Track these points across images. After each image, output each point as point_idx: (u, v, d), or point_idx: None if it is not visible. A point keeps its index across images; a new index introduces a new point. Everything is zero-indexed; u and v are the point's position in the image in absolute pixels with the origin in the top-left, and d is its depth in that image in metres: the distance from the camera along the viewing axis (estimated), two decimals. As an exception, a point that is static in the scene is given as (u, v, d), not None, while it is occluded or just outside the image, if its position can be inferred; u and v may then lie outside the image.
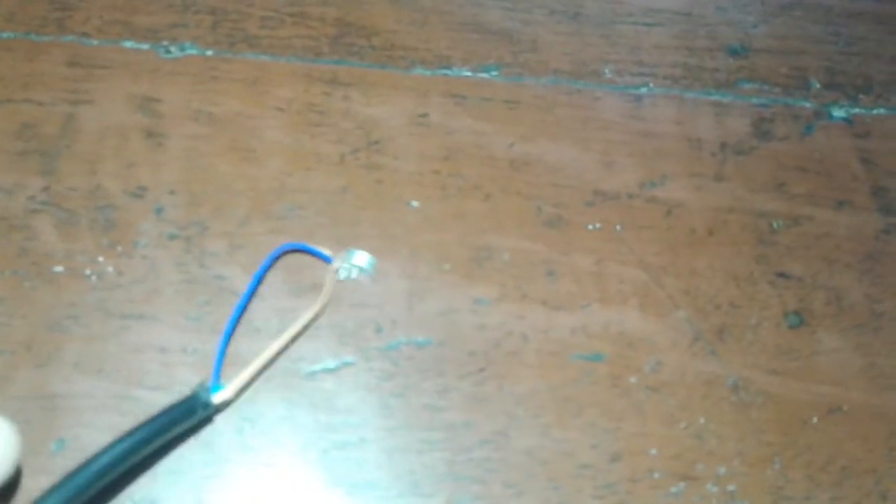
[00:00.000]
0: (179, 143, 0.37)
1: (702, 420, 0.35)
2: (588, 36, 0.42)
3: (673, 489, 0.34)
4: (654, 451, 0.34)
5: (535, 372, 0.35)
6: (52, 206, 0.35)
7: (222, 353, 0.32)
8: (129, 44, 0.38)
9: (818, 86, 0.42)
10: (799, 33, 0.44)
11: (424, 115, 0.39)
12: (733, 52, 0.42)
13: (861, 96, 0.43)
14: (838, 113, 0.42)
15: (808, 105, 0.42)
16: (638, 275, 0.37)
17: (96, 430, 0.31)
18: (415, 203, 0.37)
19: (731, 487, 0.34)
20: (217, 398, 0.31)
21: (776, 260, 0.38)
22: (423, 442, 0.33)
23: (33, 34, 0.38)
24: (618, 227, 0.38)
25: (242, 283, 0.35)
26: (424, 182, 0.38)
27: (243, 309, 0.34)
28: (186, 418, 0.31)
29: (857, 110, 0.42)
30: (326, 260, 0.35)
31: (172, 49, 0.38)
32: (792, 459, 0.35)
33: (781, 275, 0.38)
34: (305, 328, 0.34)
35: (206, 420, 0.32)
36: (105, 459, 0.28)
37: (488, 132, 0.39)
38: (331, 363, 0.34)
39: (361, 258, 0.36)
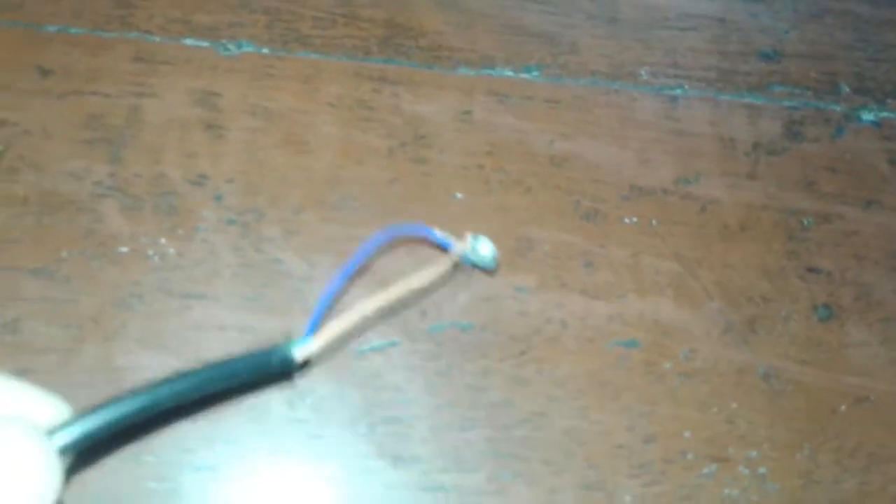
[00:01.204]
0: (237, 135, 0.39)
1: (734, 406, 0.37)
2: (625, 39, 0.43)
3: (705, 470, 0.35)
4: (687, 434, 0.36)
5: (573, 357, 0.37)
6: (118, 192, 0.37)
7: (323, 307, 0.31)
8: (189, 41, 0.40)
9: (848, 90, 0.44)
10: (829, 40, 0.45)
11: (468, 113, 0.41)
12: (765, 57, 0.44)
13: (890, 101, 0.44)
14: (867, 116, 0.43)
15: (837, 108, 0.43)
16: (673, 267, 0.39)
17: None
18: (459, 195, 0.39)
19: (761, 470, 0.36)
20: (301, 352, 0.30)
21: (806, 256, 0.40)
22: (466, 419, 0.35)
23: (99, 30, 0.40)
24: (653, 222, 0.40)
25: (297, 267, 0.36)
26: (469, 176, 0.39)
27: (351, 273, 0.34)
28: (264, 367, 0.29)
29: (885, 114, 0.43)
30: (445, 246, 0.35)
31: (230, 47, 0.40)
32: (821, 445, 0.36)
33: (811, 270, 0.40)
34: (399, 297, 0.32)
35: (287, 373, 0.31)
36: (165, 388, 0.27)
37: (529, 130, 0.41)
38: (378, 343, 0.36)
39: (486, 247, 0.36)
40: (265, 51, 0.41)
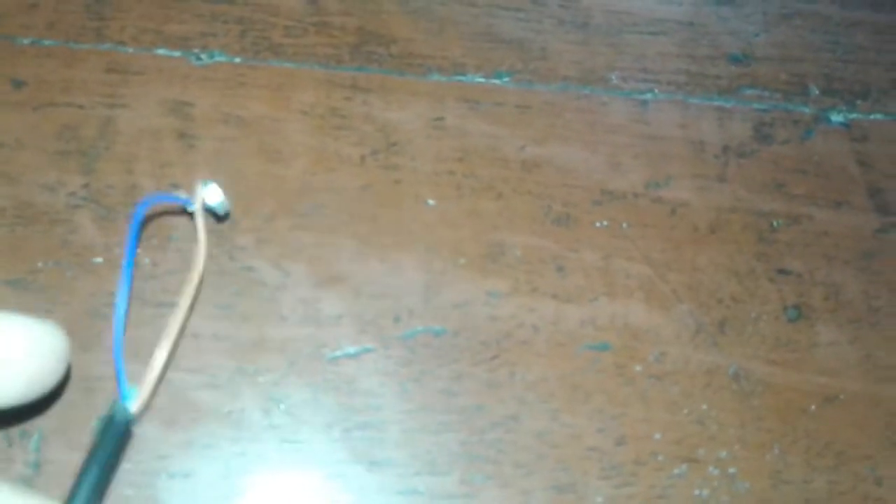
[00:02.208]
0: (210, 144, 0.39)
1: (704, 407, 0.37)
2: (595, 45, 0.44)
3: (676, 471, 0.36)
4: (657, 436, 0.36)
5: (544, 360, 0.37)
6: (92, 203, 0.37)
7: (120, 365, 0.30)
8: (162, 51, 0.41)
9: (817, 92, 0.44)
10: (798, 42, 0.46)
11: (440, 119, 0.41)
12: (735, 60, 0.44)
13: (859, 102, 0.44)
14: (836, 118, 0.44)
15: (807, 110, 0.44)
16: (643, 270, 0.39)
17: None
18: (431, 202, 0.39)
19: (731, 470, 0.36)
20: (135, 407, 0.30)
21: (776, 257, 0.40)
22: (439, 424, 0.35)
23: (72, 42, 0.40)
24: (624, 225, 0.40)
25: (269, 275, 0.37)
26: (440, 182, 0.40)
27: (128, 292, 0.32)
28: (119, 440, 0.30)
29: (854, 115, 0.44)
30: (185, 204, 0.35)
31: (203, 56, 0.41)
32: (790, 445, 0.37)
33: (781, 271, 0.40)
34: (195, 297, 0.33)
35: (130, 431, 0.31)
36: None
37: (501, 135, 0.41)
38: (351, 349, 0.36)
39: (214, 195, 0.35)
40: (237, 60, 0.41)
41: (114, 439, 0.29)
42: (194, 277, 0.32)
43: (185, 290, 0.32)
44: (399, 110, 0.41)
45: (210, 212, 0.36)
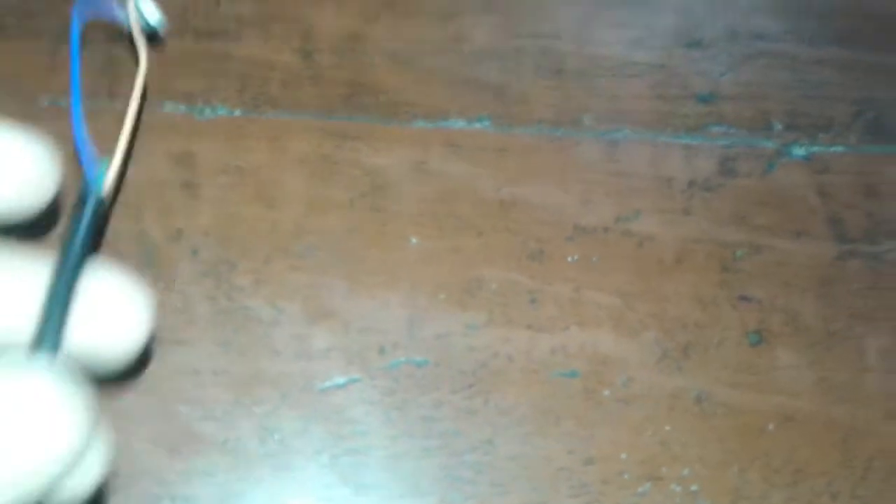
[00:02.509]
0: (212, 192, 0.43)
1: (667, 428, 0.40)
2: (570, 88, 0.47)
3: (640, 489, 0.39)
4: (624, 456, 0.39)
5: (518, 388, 0.40)
6: (104, 249, 0.41)
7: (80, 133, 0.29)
8: (168, 107, 0.44)
9: (780, 127, 0.47)
10: (763, 80, 0.48)
11: (424, 163, 0.44)
12: (702, 100, 0.47)
13: (821, 135, 0.47)
14: (798, 151, 0.46)
15: (770, 145, 0.47)
16: (612, 300, 0.42)
17: (141, 440, 0.37)
18: (414, 240, 0.43)
19: (693, 487, 0.39)
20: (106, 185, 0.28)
21: (738, 285, 0.43)
22: (421, 449, 0.39)
23: (88, 101, 0.44)
24: (594, 259, 0.43)
25: (265, 313, 0.40)
26: (423, 222, 0.43)
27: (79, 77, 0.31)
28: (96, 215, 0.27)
29: (816, 148, 0.47)
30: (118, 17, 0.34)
31: (206, 110, 0.44)
32: (749, 463, 0.40)
33: (743, 298, 0.43)
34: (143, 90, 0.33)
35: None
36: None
37: (480, 176, 0.44)
38: (340, 380, 0.39)
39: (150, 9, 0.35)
40: (237, 113, 0.45)
41: (91, 213, 0.26)
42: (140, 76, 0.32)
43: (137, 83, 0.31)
44: (386, 156, 0.44)
45: (147, 29, 0.35)
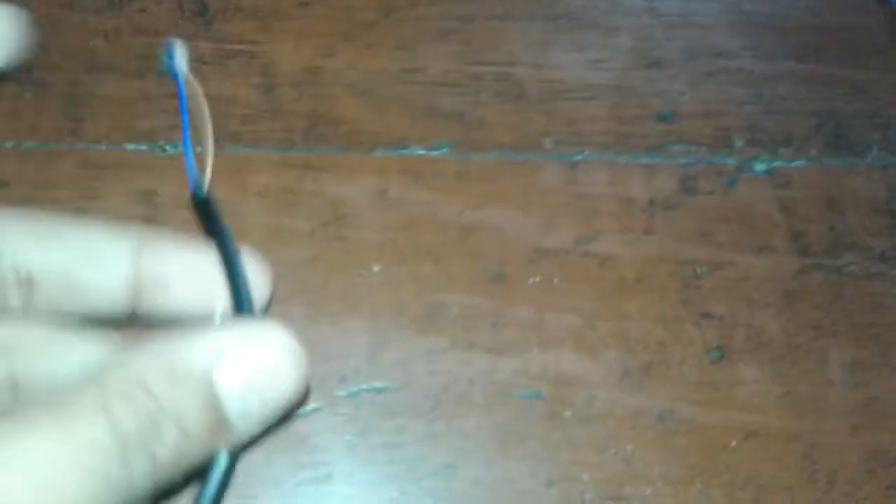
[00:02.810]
0: (174, 228, 0.43)
1: (630, 447, 0.40)
2: (530, 112, 0.47)
3: (602, 509, 0.39)
4: (585, 476, 0.39)
5: (480, 411, 0.40)
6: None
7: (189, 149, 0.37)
8: (130, 146, 0.45)
9: (741, 143, 0.47)
10: (722, 97, 0.49)
11: (384, 191, 0.45)
12: (662, 119, 0.48)
13: (781, 150, 0.47)
14: (759, 167, 0.47)
15: (731, 161, 0.47)
16: (573, 321, 0.42)
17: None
18: (376, 268, 0.43)
19: (656, 506, 0.39)
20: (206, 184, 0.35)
21: (700, 302, 0.43)
22: (383, 475, 0.39)
23: (51, 143, 0.45)
24: (556, 280, 0.43)
25: (226, 345, 0.41)
26: (384, 249, 0.43)
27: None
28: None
29: (777, 163, 0.47)
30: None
31: (167, 148, 0.45)
32: (712, 479, 0.39)
33: (705, 315, 0.43)
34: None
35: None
36: None
37: (440, 202, 0.45)
38: (302, 410, 0.40)
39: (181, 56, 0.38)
40: (199, 149, 0.45)
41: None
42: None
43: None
44: (347, 185, 0.45)
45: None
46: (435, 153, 0.46)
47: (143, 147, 0.45)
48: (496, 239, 0.44)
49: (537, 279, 0.43)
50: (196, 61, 0.46)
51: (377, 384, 0.40)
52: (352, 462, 0.39)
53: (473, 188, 0.45)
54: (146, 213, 0.43)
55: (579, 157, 0.46)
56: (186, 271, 0.31)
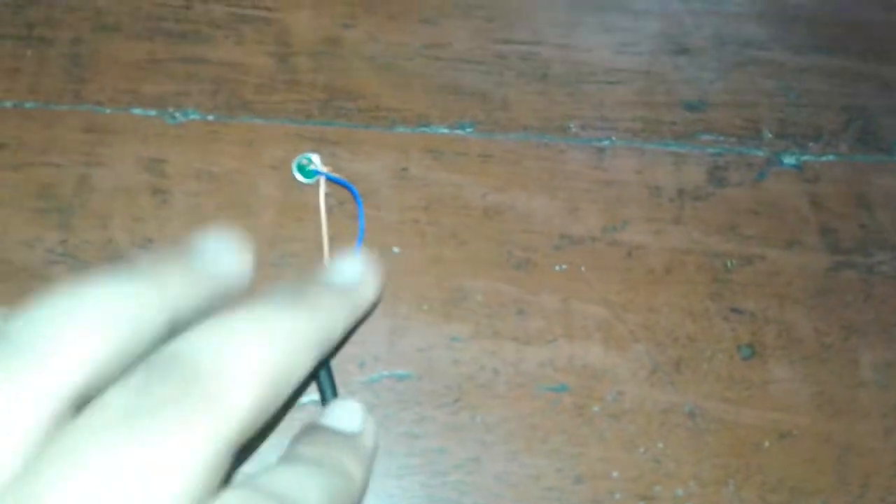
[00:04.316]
0: (183, 199, 0.41)
1: (660, 445, 0.38)
2: (555, 94, 0.46)
3: (632, 508, 0.37)
4: (615, 474, 0.37)
5: (504, 402, 0.38)
6: (69, 258, 0.39)
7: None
8: (137, 111, 0.42)
9: (770, 135, 0.46)
10: (752, 88, 0.47)
11: (405, 170, 0.43)
12: (690, 107, 0.46)
13: (811, 144, 0.46)
14: (789, 160, 0.45)
15: (760, 153, 0.45)
16: (600, 312, 0.41)
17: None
18: (396, 249, 0.41)
19: (687, 506, 0.37)
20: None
21: (730, 297, 0.42)
22: (402, 467, 0.37)
23: (53, 104, 0.42)
24: (582, 269, 0.41)
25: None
26: (405, 230, 0.41)
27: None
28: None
29: (806, 157, 0.46)
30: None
31: (177, 115, 0.43)
32: (744, 481, 0.38)
33: (735, 310, 0.41)
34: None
35: None
36: None
37: (463, 184, 0.43)
38: (318, 395, 0.37)
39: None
40: (210, 118, 0.43)
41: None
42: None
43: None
44: (365, 162, 0.43)
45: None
46: (458, 132, 0.44)
47: (151, 112, 0.42)
48: (521, 223, 0.42)
49: (564, 267, 0.41)
50: (208, 24, 0.43)
51: (398, 371, 0.38)
52: (370, 452, 0.37)
53: (497, 169, 0.43)
54: (153, 182, 0.41)
55: (606, 142, 0.45)
56: None
